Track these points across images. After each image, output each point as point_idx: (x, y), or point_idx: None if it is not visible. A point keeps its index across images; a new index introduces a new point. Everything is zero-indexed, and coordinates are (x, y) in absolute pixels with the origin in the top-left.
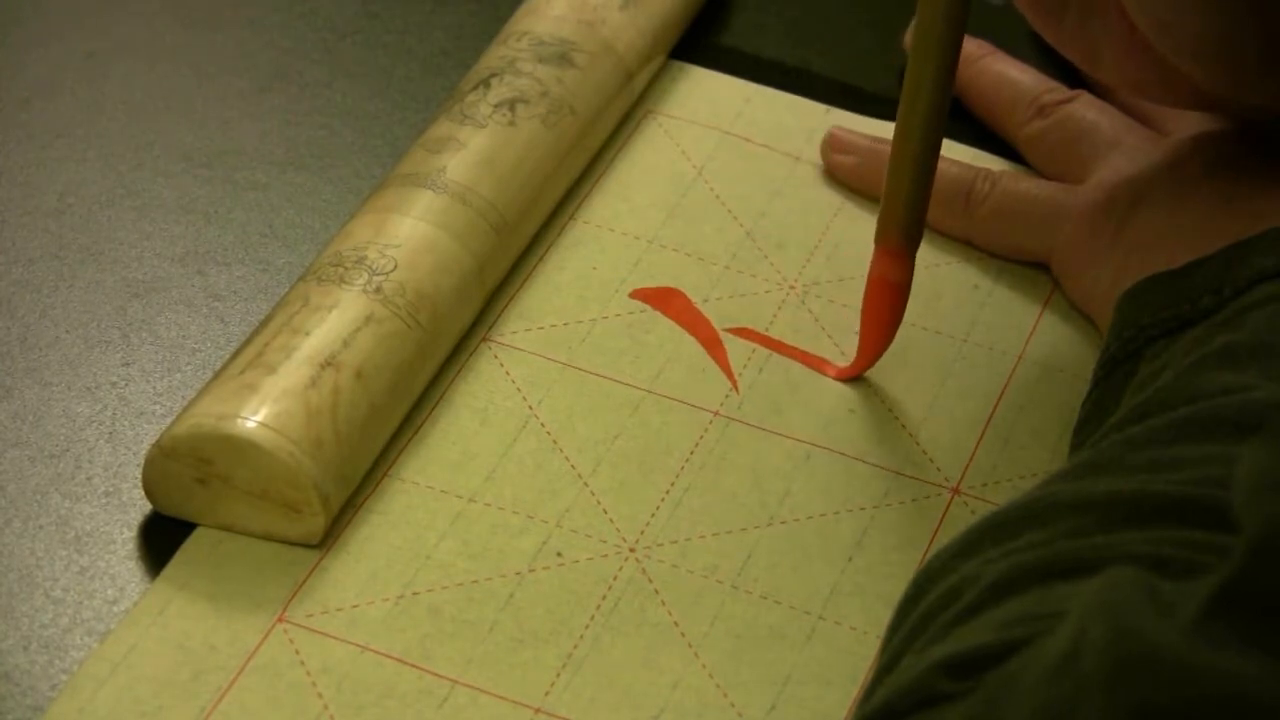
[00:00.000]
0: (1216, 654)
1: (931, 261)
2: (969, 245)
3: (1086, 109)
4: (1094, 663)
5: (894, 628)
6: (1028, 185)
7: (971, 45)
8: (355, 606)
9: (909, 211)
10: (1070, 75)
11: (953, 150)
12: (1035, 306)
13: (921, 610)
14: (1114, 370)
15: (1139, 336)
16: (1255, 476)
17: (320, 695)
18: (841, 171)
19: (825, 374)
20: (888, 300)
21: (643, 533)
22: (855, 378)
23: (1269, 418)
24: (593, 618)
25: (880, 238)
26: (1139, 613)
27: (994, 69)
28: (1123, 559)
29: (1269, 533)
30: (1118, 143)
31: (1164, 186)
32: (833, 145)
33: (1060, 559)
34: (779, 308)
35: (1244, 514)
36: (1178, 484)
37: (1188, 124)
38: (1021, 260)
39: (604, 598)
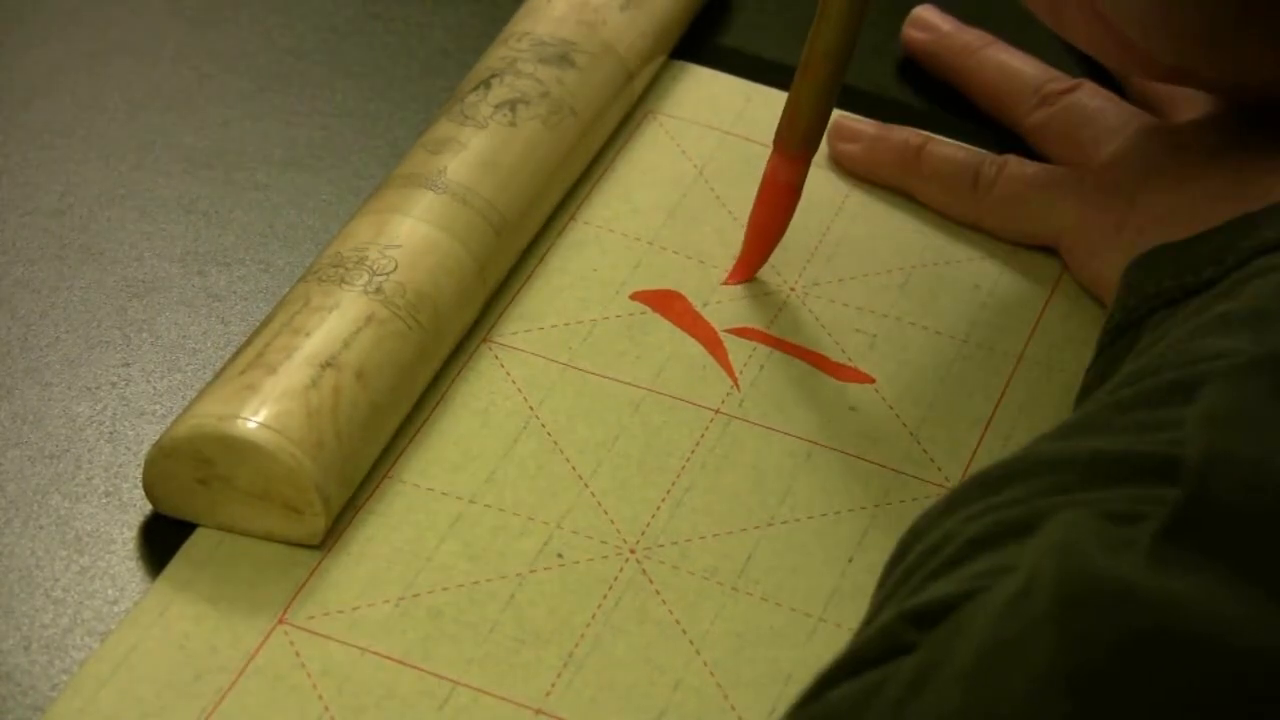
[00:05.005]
0: (1159, 579)
1: (931, 261)
2: (977, 230)
3: (1091, 97)
4: (1043, 600)
5: (880, 585)
6: (1034, 169)
7: (973, 35)
8: (356, 608)
9: (811, 117)
10: (1074, 64)
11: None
12: (1036, 306)
13: (905, 566)
14: (1118, 339)
15: (1143, 305)
16: (1204, 412)
17: (321, 697)
18: (847, 160)
19: (827, 373)
20: (780, 203)
21: (643, 533)
22: (744, 281)
23: (1231, 364)
24: (594, 618)
25: (780, 141)
26: (1087, 550)
27: (997, 59)
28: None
29: (1207, 460)
30: (1123, 129)
31: (1171, 168)
32: (838, 134)
33: (1038, 515)
34: (779, 308)
35: (1190, 448)
36: (1164, 444)
37: (1193, 111)
38: (1029, 244)
39: (605, 598)
